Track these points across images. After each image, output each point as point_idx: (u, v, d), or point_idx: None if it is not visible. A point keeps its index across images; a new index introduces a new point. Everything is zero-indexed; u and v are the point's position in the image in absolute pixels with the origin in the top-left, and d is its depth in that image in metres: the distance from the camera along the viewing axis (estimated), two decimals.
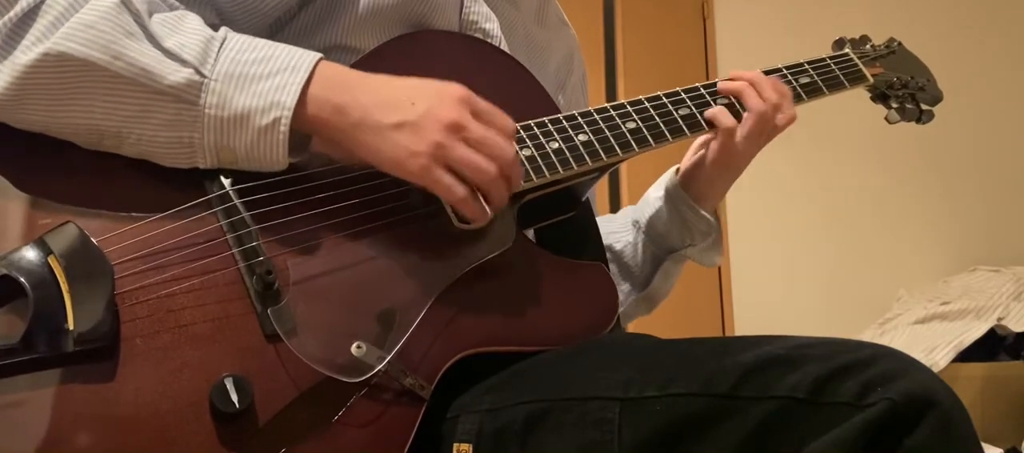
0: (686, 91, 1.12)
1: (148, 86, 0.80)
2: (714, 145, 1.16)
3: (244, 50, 0.84)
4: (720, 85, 1.15)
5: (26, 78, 0.78)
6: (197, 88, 0.81)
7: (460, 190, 0.87)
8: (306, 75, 0.84)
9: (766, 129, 1.14)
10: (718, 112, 1.13)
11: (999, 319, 2.47)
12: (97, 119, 0.81)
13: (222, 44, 0.83)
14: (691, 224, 1.20)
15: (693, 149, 1.22)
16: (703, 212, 1.20)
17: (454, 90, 0.88)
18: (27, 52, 0.78)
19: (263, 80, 0.83)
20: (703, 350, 0.81)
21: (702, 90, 1.14)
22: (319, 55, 0.86)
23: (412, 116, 0.86)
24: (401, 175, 0.87)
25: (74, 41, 0.78)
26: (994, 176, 3.25)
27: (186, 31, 0.83)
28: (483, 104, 0.89)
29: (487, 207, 0.89)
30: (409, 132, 0.85)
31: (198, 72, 0.81)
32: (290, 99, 0.82)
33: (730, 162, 1.16)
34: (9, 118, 0.81)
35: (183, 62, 0.81)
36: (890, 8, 3.49)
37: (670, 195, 1.22)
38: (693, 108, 1.11)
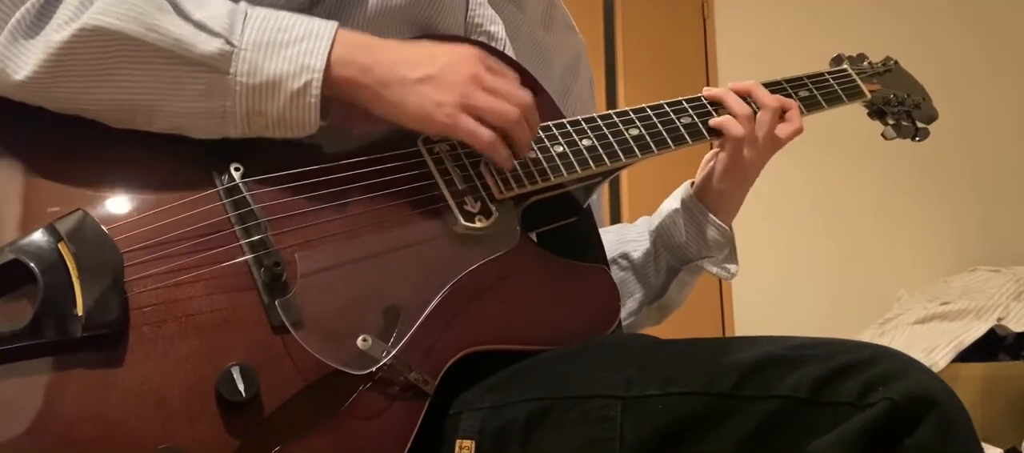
0: (688, 100, 1.14)
1: (182, 56, 0.82)
2: (722, 156, 1.17)
3: (267, 19, 0.86)
4: (705, 91, 1.16)
5: (61, 55, 0.79)
6: (228, 57, 0.82)
7: (487, 133, 0.90)
8: (330, 39, 0.86)
9: (762, 135, 1.15)
10: (725, 120, 1.14)
11: (999, 319, 2.47)
12: (130, 94, 0.82)
13: (247, 15, 0.85)
14: (707, 235, 1.21)
15: (704, 162, 1.23)
16: (719, 221, 1.20)
17: (469, 47, 0.93)
18: (61, 30, 0.79)
19: (290, 46, 0.84)
20: (704, 350, 0.82)
21: (704, 99, 1.15)
22: (336, 23, 0.88)
23: (434, 70, 0.89)
24: (428, 128, 0.90)
25: (109, 15, 0.80)
26: (994, 176, 3.25)
27: (211, 5, 0.85)
28: (494, 60, 0.94)
29: (512, 151, 0.95)
30: (434, 85, 0.88)
31: (228, 42, 0.83)
32: (319, 62, 0.84)
33: (738, 172, 1.17)
34: (43, 98, 0.82)
35: (213, 33, 0.82)
36: (887, 10, 3.49)
37: (686, 206, 1.23)
38: (695, 117, 1.13)
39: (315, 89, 0.84)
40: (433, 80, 0.89)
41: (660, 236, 1.25)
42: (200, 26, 0.83)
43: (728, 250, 1.24)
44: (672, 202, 1.26)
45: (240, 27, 0.84)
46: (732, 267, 1.25)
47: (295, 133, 0.86)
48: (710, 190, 1.21)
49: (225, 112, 0.83)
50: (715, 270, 1.24)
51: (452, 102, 0.88)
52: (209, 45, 0.82)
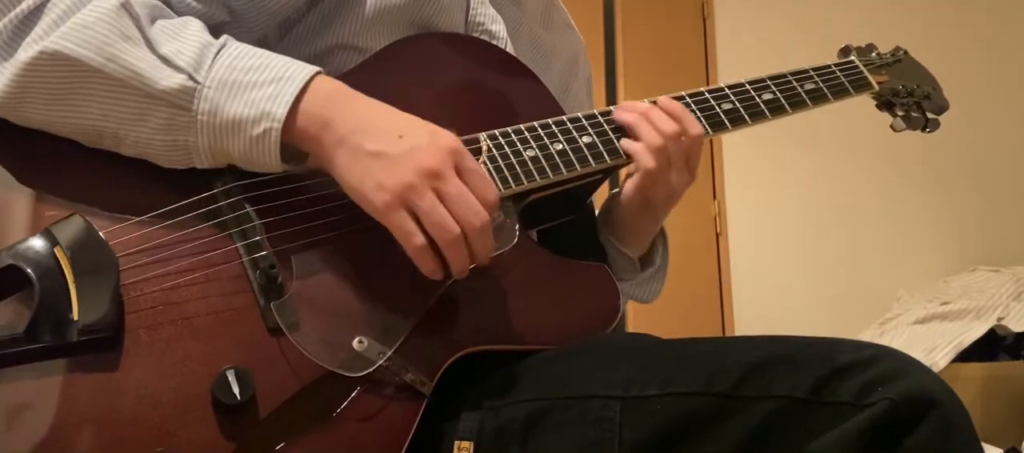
0: (691, 95, 1.11)
1: (140, 89, 0.80)
2: (629, 184, 1.08)
3: (240, 57, 0.83)
4: (616, 113, 1.05)
5: (24, 76, 0.78)
6: (190, 94, 0.81)
7: (418, 239, 0.82)
8: (300, 87, 0.83)
9: (673, 161, 1.04)
10: (640, 147, 1.03)
11: (999, 319, 2.47)
12: (95, 120, 0.81)
13: (219, 51, 0.83)
14: (614, 260, 1.14)
15: (621, 181, 1.13)
16: (623, 250, 1.13)
17: (447, 139, 0.85)
18: (27, 50, 0.79)
19: (256, 89, 0.82)
20: (704, 349, 0.82)
21: (708, 95, 1.12)
22: (316, 69, 0.85)
23: (394, 149, 0.83)
24: (362, 205, 0.84)
25: (70, 41, 0.79)
26: (994, 176, 3.25)
27: (184, 38, 0.83)
28: (471, 163, 0.86)
29: (442, 268, 0.85)
30: (384, 164, 0.82)
31: (192, 78, 0.81)
32: (281, 110, 0.81)
33: (646, 202, 1.07)
34: (13, 116, 0.81)
35: (177, 68, 0.81)
36: (887, 10, 3.49)
37: (598, 227, 1.16)
38: (706, 115, 1.10)
39: (274, 137, 0.81)
40: (385, 159, 0.82)
41: None
42: (165, 60, 0.81)
43: (649, 273, 1.17)
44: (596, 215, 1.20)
45: (209, 63, 0.82)
46: (649, 293, 1.19)
47: (260, 170, 0.84)
48: (616, 217, 1.12)
49: (188, 146, 0.82)
50: (631, 294, 1.19)
51: (392, 190, 0.81)
52: (170, 80, 0.80)
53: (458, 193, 0.83)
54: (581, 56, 1.31)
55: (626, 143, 1.03)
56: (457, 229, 0.82)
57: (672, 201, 1.08)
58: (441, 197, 0.82)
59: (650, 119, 1.04)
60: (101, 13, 0.80)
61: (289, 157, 0.85)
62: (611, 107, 1.06)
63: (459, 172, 0.84)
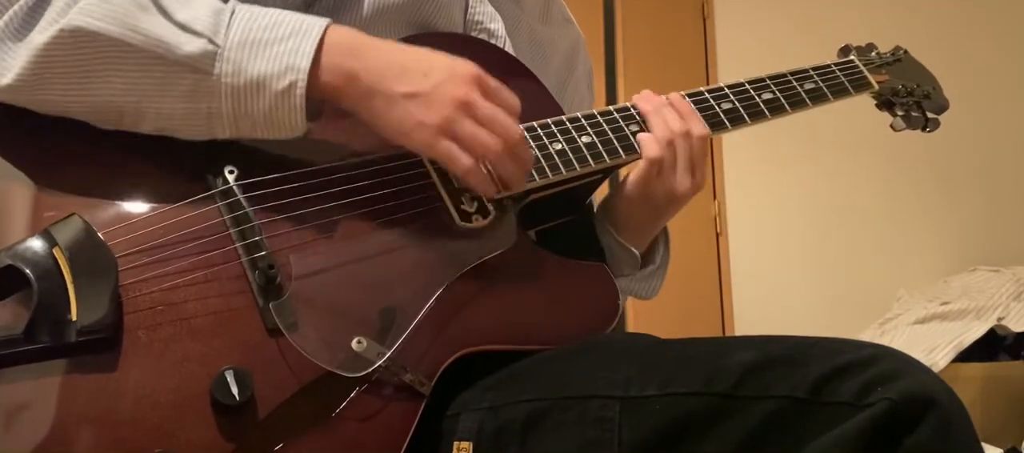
0: (690, 95, 1.11)
1: (164, 57, 0.80)
2: (632, 175, 1.08)
3: (255, 17, 0.84)
4: (635, 100, 1.08)
5: (43, 57, 0.79)
6: (211, 57, 0.81)
7: (466, 160, 0.87)
8: (318, 38, 0.84)
9: (678, 157, 1.06)
10: (648, 138, 1.05)
11: (999, 319, 2.47)
12: (116, 95, 0.81)
13: (232, 14, 0.84)
14: (614, 254, 1.14)
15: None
16: (622, 242, 1.12)
17: (466, 67, 0.88)
18: (44, 32, 0.79)
19: (276, 44, 0.83)
20: (703, 349, 0.82)
21: (707, 94, 1.12)
22: (328, 20, 0.86)
23: (424, 87, 0.86)
24: (406, 144, 0.87)
25: (89, 16, 0.79)
26: (994, 176, 3.25)
27: (196, 5, 0.83)
28: (492, 82, 0.90)
29: (495, 182, 0.91)
30: (421, 103, 0.86)
31: (211, 42, 0.81)
32: (305, 61, 0.83)
33: (647, 197, 1.08)
34: (30, 101, 0.81)
35: (196, 33, 0.81)
36: (888, 9, 3.49)
37: (597, 219, 1.16)
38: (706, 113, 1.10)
39: (300, 89, 0.82)
40: (420, 97, 0.86)
41: None
42: (183, 26, 0.81)
43: (649, 270, 1.16)
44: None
45: (225, 26, 0.82)
46: (650, 289, 1.19)
47: (283, 134, 0.85)
48: (618, 209, 1.12)
49: (211, 113, 0.82)
50: (630, 290, 1.19)
51: (434, 124, 0.86)
52: (192, 45, 0.81)
53: (491, 113, 0.88)
54: (581, 49, 1.31)
55: (639, 135, 1.05)
56: (499, 143, 0.88)
57: (674, 203, 1.08)
58: (477, 121, 0.87)
59: (661, 113, 1.06)
60: None
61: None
62: (626, 102, 1.08)
63: (484, 94, 0.89)
